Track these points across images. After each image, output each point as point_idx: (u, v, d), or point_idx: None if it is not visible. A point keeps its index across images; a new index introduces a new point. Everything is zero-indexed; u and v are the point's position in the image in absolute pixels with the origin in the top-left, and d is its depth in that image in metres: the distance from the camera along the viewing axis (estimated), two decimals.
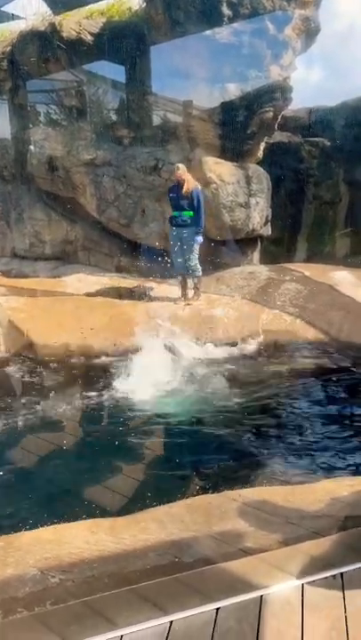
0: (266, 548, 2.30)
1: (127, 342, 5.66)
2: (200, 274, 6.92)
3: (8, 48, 8.97)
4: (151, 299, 7.08)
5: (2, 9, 10.29)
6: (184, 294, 6.93)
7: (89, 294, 7.22)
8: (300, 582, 2.04)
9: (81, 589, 2.11)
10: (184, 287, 6.97)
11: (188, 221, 6.69)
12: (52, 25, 8.27)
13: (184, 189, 6.58)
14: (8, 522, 2.91)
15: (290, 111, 9.75)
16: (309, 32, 8.26)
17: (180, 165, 6.77)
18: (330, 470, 3.45)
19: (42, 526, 2.69)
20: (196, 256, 6.81)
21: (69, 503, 3.17)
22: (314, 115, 10.47)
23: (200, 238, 6.81)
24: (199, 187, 6.79)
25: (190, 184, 6.64)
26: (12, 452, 3.92)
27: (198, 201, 6.64)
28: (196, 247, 6.77)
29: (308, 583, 2.04)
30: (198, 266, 6.86)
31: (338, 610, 1.92)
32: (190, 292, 6.93)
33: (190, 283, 7.01)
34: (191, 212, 6.66)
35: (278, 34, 7.90)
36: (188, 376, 4.96)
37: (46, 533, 2.58)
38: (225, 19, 7.49)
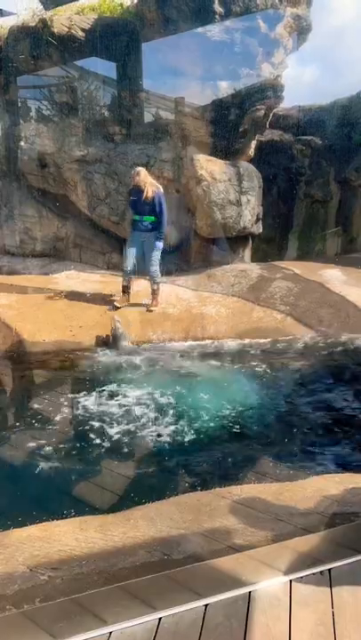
0: (255, 544, 2.31)
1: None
2: (160, 280, 6.72)
3: None
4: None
5: None
6: (126, 298, 6.65)
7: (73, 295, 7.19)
8: (288, 578, 2.06)
9: (70, 587, 2.11)
10: (127, 292, 6.67)
11: (150, 226, 6.46)
12: (43, 21, 8.21)
13: (145, 195, 6.32)
14: None
15: (282, 109, 9.79)
16: (301, 30, 8.28)
17: (141, 170, 6.49)
18: (319, 467, 3.48)
19: (31, 524, 2.69)
20: (158, 262, 6.60)
21: (58, 500, 3.17)
22: (306, 113, 10.51)
23: (160, 244, 6.59)
24: (161, 189, 6.54)
25: (152, 189, 6.38)
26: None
27: (160, 205, 6.39)
28: (158, 253, 6.57)
29: (296, 579, 2.06)
30: (158, 272, 6.65)
31: (325, 605, 1.94)
32: (150, 297, 6.67)
33: (146, 287, 6.73)
34: (153, 217, 6.43)
35: (270, 32, 7.91)
36: None
37: (35, 531, 2.58)
38: (217, 16, 7.48)
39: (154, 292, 6.68)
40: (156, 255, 6.59)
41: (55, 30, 8.08)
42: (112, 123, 8.78)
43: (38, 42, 8.30)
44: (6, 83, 9.17)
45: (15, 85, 9.28)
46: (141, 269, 6.74)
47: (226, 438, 3.95)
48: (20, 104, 9.51)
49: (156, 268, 6.62)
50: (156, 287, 6.66)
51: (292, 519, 2.52)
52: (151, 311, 6.53)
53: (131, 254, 6.59)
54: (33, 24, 8.39)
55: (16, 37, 8.58)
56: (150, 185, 6.40)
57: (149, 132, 8.53)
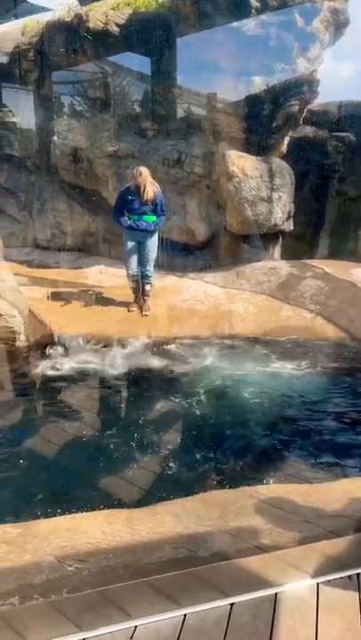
0: (282, 545, 2.29)
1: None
2: (152, 282, 6.54)
3: (35, 39, 8.99)
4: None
5: (32, 2, 10.40)
6: (139, 301, 6.48)
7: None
8: (315, 581, 2.04)
9: (96, 579, 2.13)
10: (138, 294, 6.50)
11: (152, 227, 6.24)
12: (79, 16, 8.26)
13: (147, 197, 6.08)
14: (26, 509, 2.95)
15: (317, 105, 9.61)
16: (338, 24, 8.12)
17: (143, 169, 6.18)
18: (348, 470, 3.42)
19: (59, 515, 2.72)
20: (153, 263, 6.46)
21: (86, 493, 3.20)
22: (342, 109, 10.30)
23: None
24: (159, 188, 6.31)
25: (153, 189, 6.15)
26: (30, 440, 3.98)
27: (162, 205, 6.22)
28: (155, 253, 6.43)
29: (324, 583, 2.03)
30: (153, 273, 6.52)
31: (354, 611, 1.91)
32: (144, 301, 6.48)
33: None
34: (154, 217, 6.20)
35: (306, 26, 7.78)
36: None
37: (64, 522, 2.62)
38: (253, 10, 7.39)
39: (147, 295, 6.45)
40: (154, 255, 6.43)
41: (91, 25, 8.11)
42: (144, 118, 8.79)
43: (74, 37, 8.35)
44: (41, 78, 9.27)
45: (49, 81, 9.37)
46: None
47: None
48: (53, 99, 9.60)
49: (152, 268, 6.46)
50: (149, 288, 6.48)
51: (321, 521, 2.49)
52: (146, 315, 6.33)
53: (133, 256, 6.38)
54: (69, 19, 8.45)
55: (52, 32, 8.65)
56: (151, 184, 6.18)
57: (181, 127, 8.50)
